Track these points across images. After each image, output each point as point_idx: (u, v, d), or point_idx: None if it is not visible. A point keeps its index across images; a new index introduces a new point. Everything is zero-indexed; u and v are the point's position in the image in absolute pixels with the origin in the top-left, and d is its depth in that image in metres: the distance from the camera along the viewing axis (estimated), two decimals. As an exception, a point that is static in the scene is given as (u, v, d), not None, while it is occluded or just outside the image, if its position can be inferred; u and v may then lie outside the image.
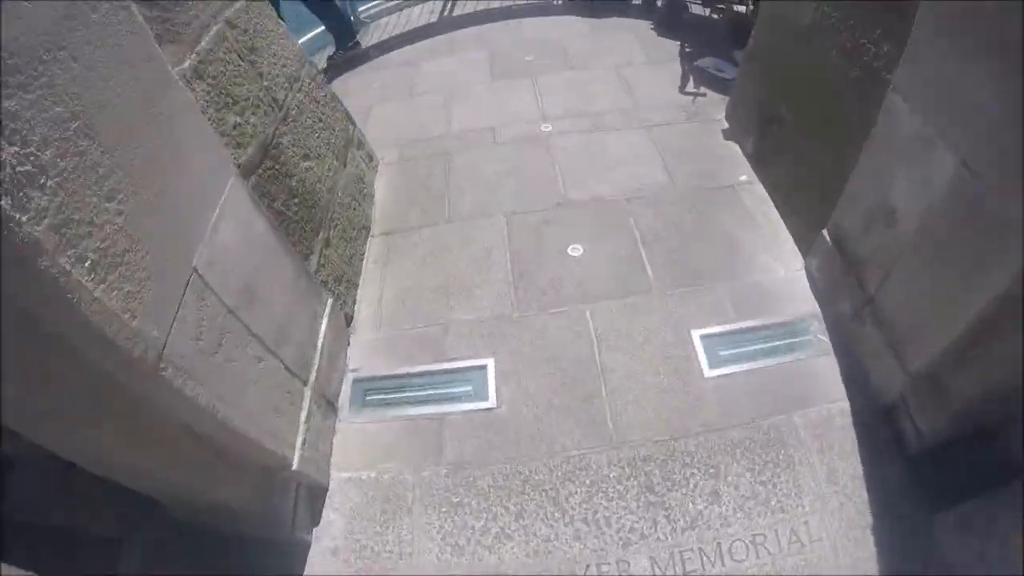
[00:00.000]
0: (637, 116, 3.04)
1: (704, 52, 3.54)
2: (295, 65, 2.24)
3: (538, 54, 3.67)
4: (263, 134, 1.89)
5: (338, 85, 3.79)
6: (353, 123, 2.73)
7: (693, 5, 4.08)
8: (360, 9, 4.56)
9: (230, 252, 1.53)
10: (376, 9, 4.65)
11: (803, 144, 2.32)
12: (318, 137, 2.32)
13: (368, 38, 4.39)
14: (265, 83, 1.97)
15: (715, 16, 3.90)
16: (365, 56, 4.10)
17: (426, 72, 3.71)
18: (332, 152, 2.43)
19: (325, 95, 2.49)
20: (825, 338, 2.02)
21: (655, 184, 2.63)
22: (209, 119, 1.61)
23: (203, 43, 1.67)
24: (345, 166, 2.55)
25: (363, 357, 2.20)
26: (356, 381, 2.16)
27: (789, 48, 2.37)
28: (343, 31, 3.96)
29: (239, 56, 1.84)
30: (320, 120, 2.38)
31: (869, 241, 1.85)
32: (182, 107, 1.41)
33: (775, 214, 2.46)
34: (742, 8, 3.73)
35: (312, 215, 2.14)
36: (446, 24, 4.30)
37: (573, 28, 3.96)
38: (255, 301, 1.65)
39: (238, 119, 1.76)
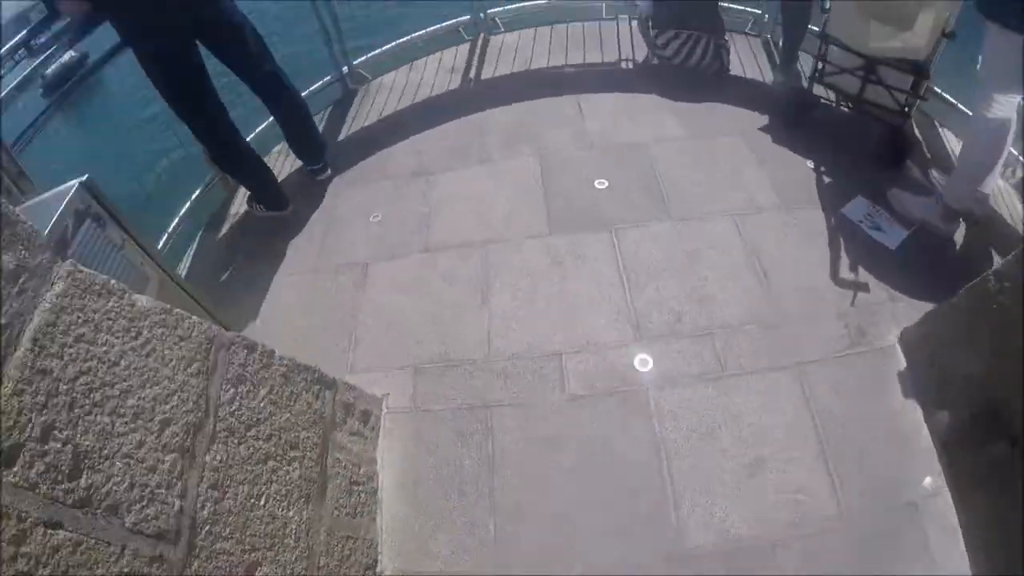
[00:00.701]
0: (778, 337, 1.95)
1: (849, 183, 2.42)
2: (194, 395, 1.16)
3: (614, 174, 2.52)
4: None
5: (327, 204, 2.70)
6: (331, 386, 1.67)
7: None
8: (356, 62, 3.33)
9: None
10: (376, 58, 3.41)
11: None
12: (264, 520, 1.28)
13: (367, 104, 3.20)
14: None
15: (844, 107, 2.70)
16: (366, 144, 2.94)
17: (447, 196, 2.56)
18: (296, 507, 1.39)
19: (270, 392, 1.41)
20: None
21: (813, 507, 1.60)
22: None
23: None
24: (325, 495, 1.52)
25: None
26: None
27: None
28: (310, 146, 2.78)
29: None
30: (265, 459, 1.32)
31: None
32: None
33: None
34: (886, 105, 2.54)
35: None
36: (473, 95, 3.09)
37: (658, 121, 2.77)
38: None
39: None
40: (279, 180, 2.80)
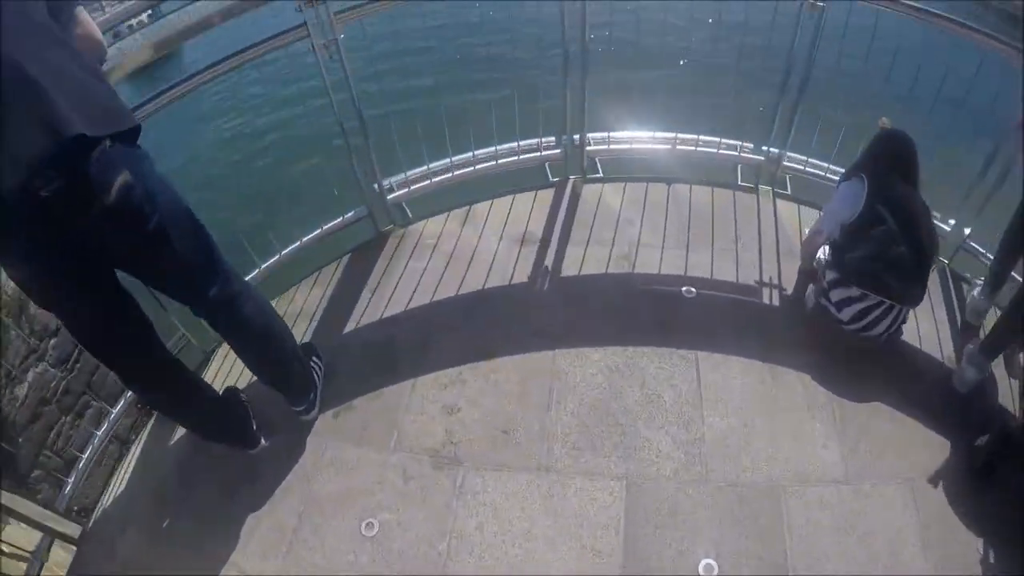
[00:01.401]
0: None
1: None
2: None
3: (728, 548, 1.63)
4: None
5: (307, 460, 1.89)
6: None
7: None
8: (395, 192, 2.36)
9: None
10: (420, 189, 2.42)
11: None
12: None
13: (396, 269, 2.29)
14: None
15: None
16: (375, 356, 2.07)
17: (477, 526, 1.67)
18: None
19: None
20: None
21: None
22: None
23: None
24: None
25: None
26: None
27: None
28: (289, 386, 1.84)
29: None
30: None
31: None
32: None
33: None
34: None
35: None
36: (546, 307, 2.15)
37: (805, 435, 1.85)
38: None
39: None
40: (248, 394, 1.96)
